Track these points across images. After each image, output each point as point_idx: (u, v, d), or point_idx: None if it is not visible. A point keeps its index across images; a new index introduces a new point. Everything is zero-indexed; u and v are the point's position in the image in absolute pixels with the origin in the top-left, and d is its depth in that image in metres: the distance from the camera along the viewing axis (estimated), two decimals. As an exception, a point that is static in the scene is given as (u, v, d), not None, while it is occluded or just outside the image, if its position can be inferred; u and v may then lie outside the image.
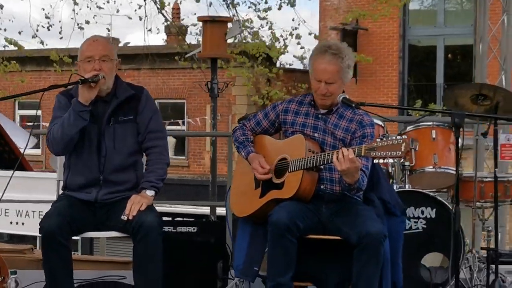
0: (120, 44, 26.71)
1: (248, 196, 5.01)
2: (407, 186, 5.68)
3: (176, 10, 24.32)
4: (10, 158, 4.38)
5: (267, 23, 15.18)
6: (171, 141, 23.12)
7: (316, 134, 4.88)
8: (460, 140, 4.53)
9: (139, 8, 14.39)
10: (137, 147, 4.91)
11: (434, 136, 5.74)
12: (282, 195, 4.79)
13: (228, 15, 11.88)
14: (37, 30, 14.69)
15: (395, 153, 4.35)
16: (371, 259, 4.55)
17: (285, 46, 15.81)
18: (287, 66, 21.59)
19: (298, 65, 22.63)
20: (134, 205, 4.65)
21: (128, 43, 26.08)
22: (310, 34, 15.28)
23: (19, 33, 15.44)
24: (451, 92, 5.71)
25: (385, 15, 15.78)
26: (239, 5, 14.81)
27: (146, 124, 4.88)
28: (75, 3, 14.26)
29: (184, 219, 6.02)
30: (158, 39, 27.21)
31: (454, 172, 5.73)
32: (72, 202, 4.80)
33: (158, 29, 15.59)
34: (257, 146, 5.07)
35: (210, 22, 10.75)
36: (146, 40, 15.78)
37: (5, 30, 14.08)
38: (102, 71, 4.72)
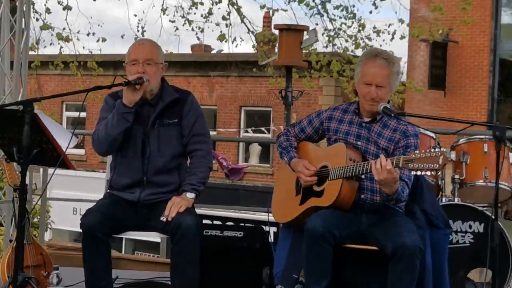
0: (213, 51, 27.07)
1: (288, 202, 5.03)
2: (456, 199, 5.59)
3: (267, 19, 24.43)
4: (53, 156, 4.49)
5: (358, 24, 14.99)
6: (256, 148, 23.25)
7: (359, 143, 4.86)
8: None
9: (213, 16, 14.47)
10: (181, 150, 4.98)
11: (486, 149, 5.64)
12: (321, 203, 4.79)
13: (311, 24, 11.92)
14: (141, 33, 14.79)
15: (432, 165, 4.29)
16: (406, 271, 4.51)
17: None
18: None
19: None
20: (174, 206, 4.72)
21: (221, 50, 26.27)
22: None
23: (122, 37, 15.66)
24: (506, 106, 5.59)
25: (469, 22, 15.47)
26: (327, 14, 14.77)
27: (190, 128, 4.95)
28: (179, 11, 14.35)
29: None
30: (248, 47, 27.22)
31: (506, 187, 5.65)
32: (115, 201, 4.90)
33: (241, 38, 15.44)
34: (300, 152, 5.09)
35: (286, 31, 10.74)
36: (230, 47, 15.87)
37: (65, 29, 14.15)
38: (146, 74, 4.81)
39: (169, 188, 4.93)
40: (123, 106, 4.78)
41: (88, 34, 14.95)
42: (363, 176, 4.74)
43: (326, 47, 15.58)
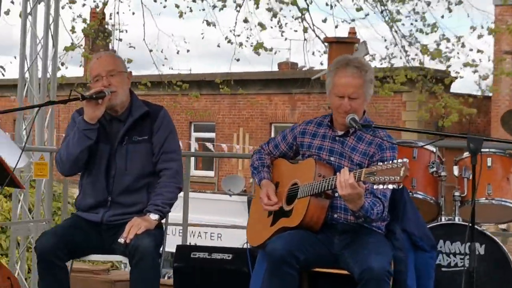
0: (304, 69, 26.77)
1: (261, 224, 4.71)
2: (456, 218, 5.13)
3: (352, 35, 24.00)
4: (2, 175, 4.29)
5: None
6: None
7: (332, 158, 4.51)
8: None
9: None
10: (151, 168, 4.71)
11: (489, 164, 5.17)
12: (289, 223, 4.46)
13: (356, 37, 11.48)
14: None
15: (393, 178, 3.93)
16: None
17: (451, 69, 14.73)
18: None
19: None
20: (133, 228, 4.45)
21: (304, 66, 25.88)
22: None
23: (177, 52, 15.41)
24: (509, 116, 5.14)
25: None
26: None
27: (160, 145, 4.69)
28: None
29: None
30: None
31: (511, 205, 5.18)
32: (77, 223, 4.67)
33: (319, 51, 14.82)
34: (275, 170, 4.78)
35: (336, 43, 10.43)
36: (306, 62, 15.40)
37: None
38: (112, 86, 4.58)
39: (136, 208, 4.66)
40: (84, 123, 4.56)
41: (177, 52, 14.86)
42: (336, 194, 4.38)
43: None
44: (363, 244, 4.30)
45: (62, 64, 13.82)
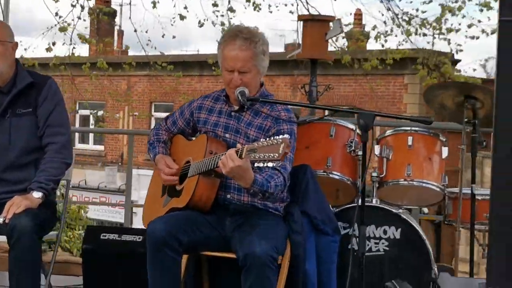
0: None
1: (155, 204, 4.43)
2: (374, 200, 4.80)
3: (358, 16, 23.59)
4: None
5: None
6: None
7: (227, 135, 4.22)
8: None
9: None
10: (37, 143, 4.41)
11: (410, 143, 4.82)
12: (179, 204, 4.17)
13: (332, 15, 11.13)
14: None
15: (273, 155, 3.61)
16: (255, 284, 3.81)
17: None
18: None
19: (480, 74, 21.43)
20: (12, 207, 4.16)
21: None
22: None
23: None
24: (432, 93, 4.81)
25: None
26: None
27: (45, 118, 4.39)
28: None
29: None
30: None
31: (436, 188, 4.87)
32: None
33: None
34: (173, 147, 4.50)
35: (311, 21, 10.07)
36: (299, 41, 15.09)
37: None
38: None
39: (23, 185, 4.34)
40: None
41: (163, 36, 14.71)
42: None
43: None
44: (253, 226, 3.99)
45: (54, 43, 13.71)
